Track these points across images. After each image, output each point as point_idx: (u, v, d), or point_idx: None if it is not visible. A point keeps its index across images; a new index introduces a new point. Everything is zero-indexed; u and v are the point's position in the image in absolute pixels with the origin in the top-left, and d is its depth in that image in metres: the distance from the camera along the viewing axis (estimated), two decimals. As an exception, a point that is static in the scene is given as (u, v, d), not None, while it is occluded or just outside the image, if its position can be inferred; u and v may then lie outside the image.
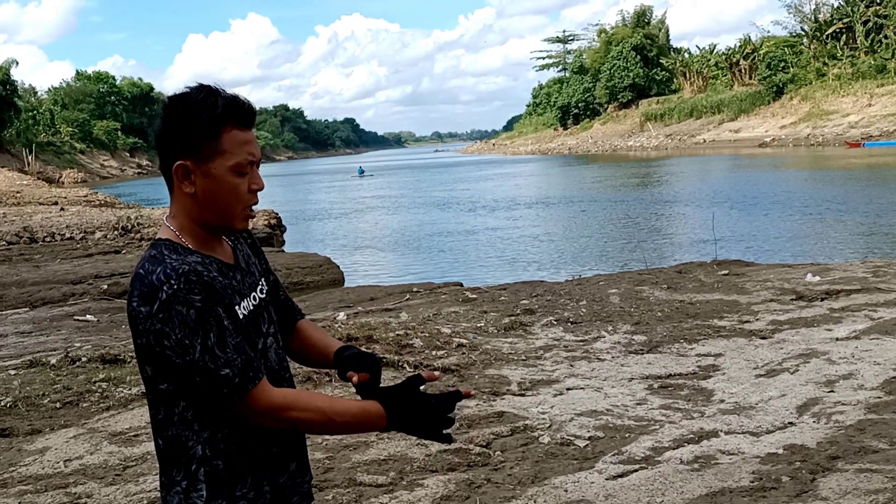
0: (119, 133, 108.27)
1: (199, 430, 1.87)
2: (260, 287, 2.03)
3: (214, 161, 1.87)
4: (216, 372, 1.77)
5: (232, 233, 1.99)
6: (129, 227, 18.88)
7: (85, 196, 33.54)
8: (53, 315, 10.75)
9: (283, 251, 18.69)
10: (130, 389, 6.10)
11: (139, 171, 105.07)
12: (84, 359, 7.05)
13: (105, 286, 13.37)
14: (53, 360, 7.09)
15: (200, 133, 1.86)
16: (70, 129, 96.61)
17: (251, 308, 1.95)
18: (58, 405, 5.88)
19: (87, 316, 10.53)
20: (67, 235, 18.70)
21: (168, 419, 1.88)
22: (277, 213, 22.01)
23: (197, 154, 1.86)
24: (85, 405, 5.89)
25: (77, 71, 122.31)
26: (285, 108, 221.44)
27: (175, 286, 1.75)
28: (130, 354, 7.15)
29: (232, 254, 2.00)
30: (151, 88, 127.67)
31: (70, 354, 7.22)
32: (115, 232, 18.75)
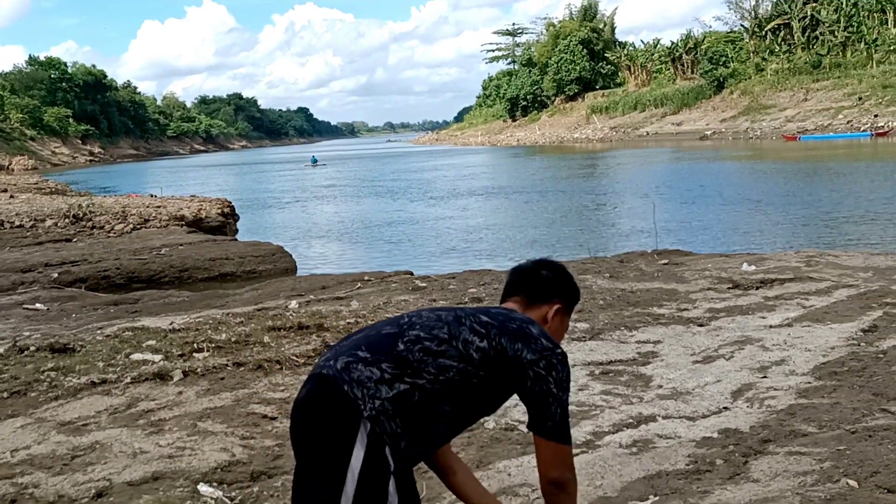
0: (71, 120, 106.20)
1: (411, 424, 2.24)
2: None
3: (567, 317, 2.70)
4: (566, 418, 2.41)
5: None
6: (81, 216, 18.52)
7: (35, 183, 32.90)
8: (2, 304, 10.53)
9: (236, 240, 18.51)
10: (80, 378, 6.01)
11: (91, 158, 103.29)
12: (33, 348, 6.92)
13: (55, 274, 13.13)
14: (1, 350, 6.95)
15: (573, 299, 2.71)
16: (20, 115, 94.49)
17: None
18: (5, 395, 5.76)
19: (37, 304, 10.33)
20: (17, 223, 18.27)
21: (423, 405, 2.25)
22: (231, 202, 21.78)
23: (567, 307, 2.68)
24: (33, 395, 5.78)
25: (30, 56, 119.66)
26: (239, 96, 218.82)
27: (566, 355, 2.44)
28: (80, 343, 7.04)
29: None
30: (104, 76, 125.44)
31: (18, 343, 7.08)
32: (67, 220, 18.39)
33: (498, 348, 2.29)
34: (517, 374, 2.31)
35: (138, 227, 18.10)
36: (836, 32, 72.07)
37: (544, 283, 2.64)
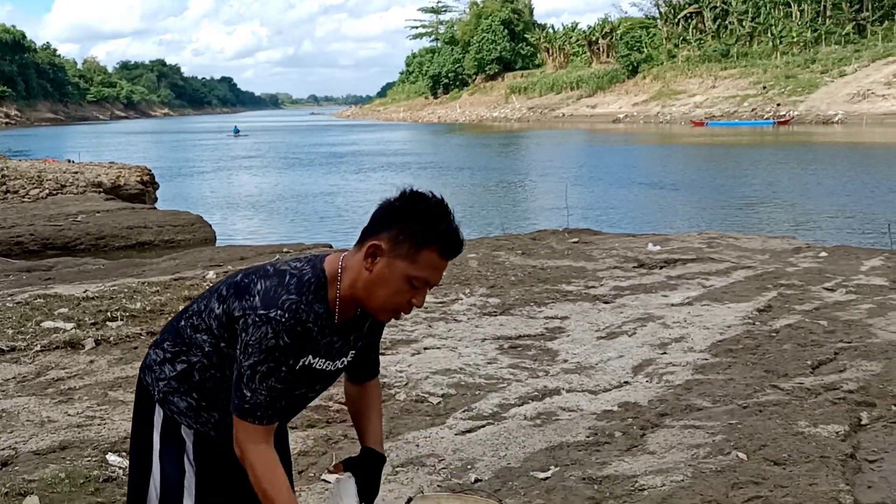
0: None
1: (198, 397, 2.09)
2: (343, 360, 2.13)
3: (402, 262, 1.94)
4: (243, 387, 1.94)
5: (371, 315, 2.09)
6: (-6, 180, 17.82)
7: (-52, 145, 31.50)
8: (-90, 267, 10.09)
9: (155, 208, 18.06)
10: (-12, 345, 5.80)
11: (6, 121, 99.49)
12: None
13: (-33, 239, 12.64)
14: None
15: (412, 237, 1.93)
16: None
17: (324, 370, 2.08)
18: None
19: (-53, 269, 9.93)
20: (-72, 186, 17.51)
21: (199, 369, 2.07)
22: (150, 170, 21.20)
23: (395, 247, 1.94)
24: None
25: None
26: (162, 63, 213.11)
27: (282, 319, 1.91)
28: (-11, 310, 6.79)
29: (349, 322, 2.08)
30: (23, 36, 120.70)
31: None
32: (-21, 184, 17.67)
33: (227, 311, 1.99)
34: None
35: (54, 192, 17.50)
36: (744, 23, 73.80)
37: (378, 216, 2.00)
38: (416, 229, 1.92)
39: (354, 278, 1.98)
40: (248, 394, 1.92)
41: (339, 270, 2.00)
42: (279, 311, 1.90)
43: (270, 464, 1.98)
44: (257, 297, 1.93)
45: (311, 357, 2.01)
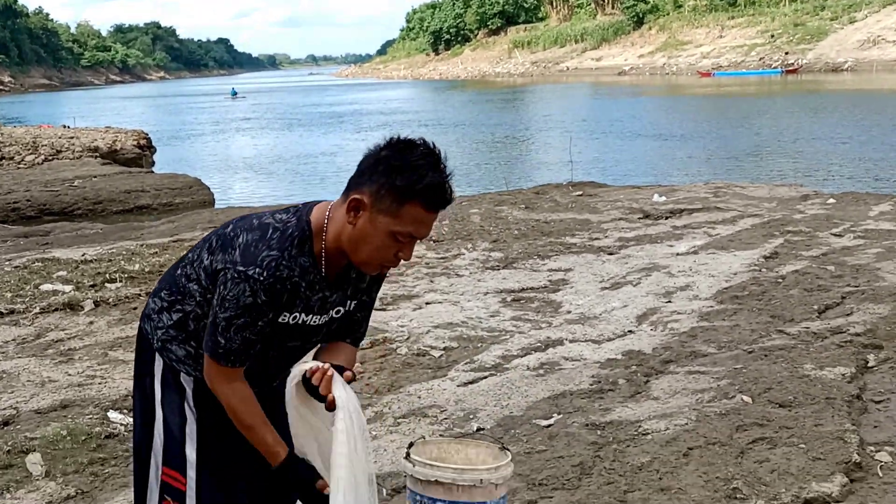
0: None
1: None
2: (338, 309, 2.09)
3: (384, 217, 1.90)
4: (217, 335, 1.95)
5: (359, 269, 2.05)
6: (-11, 146, 17.79)
7: (-58, 114, 31.41)
8: None
9: (153, 172, 18.04)
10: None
11: (0, 87, 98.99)
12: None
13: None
14: None
15: (395, 191, 1.88)
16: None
17: (319, 324, 2.06)
18: None
19: (-56, 236, 9.96)
20: (-78, 154, 17.49)
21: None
22: (147, 134, 21.14)
23: (377, 201, 1.90)
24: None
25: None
26: (157, 25, 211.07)
27: (259, 277, 1.90)
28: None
29: (340, 273, 2.04)
30: (15, 1, 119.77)
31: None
32: (-27, 151, 17.63)
33: (212, 262, 2.00)
34: None
35: (50, 158, 17.47)
36: (751, -30, 72.93)
37: (363, 166, 1.95)
38: (398, 183, 1.87)
39: (339, 231, 1.96)
40: (223, 341, 1.95)
41: (326, 221, 1.97)
42: (257, 269, 1.89)
43: (243, 395, 2.02)
44: (237, 252, 1.93)
45: (303, 315, 2.01)
